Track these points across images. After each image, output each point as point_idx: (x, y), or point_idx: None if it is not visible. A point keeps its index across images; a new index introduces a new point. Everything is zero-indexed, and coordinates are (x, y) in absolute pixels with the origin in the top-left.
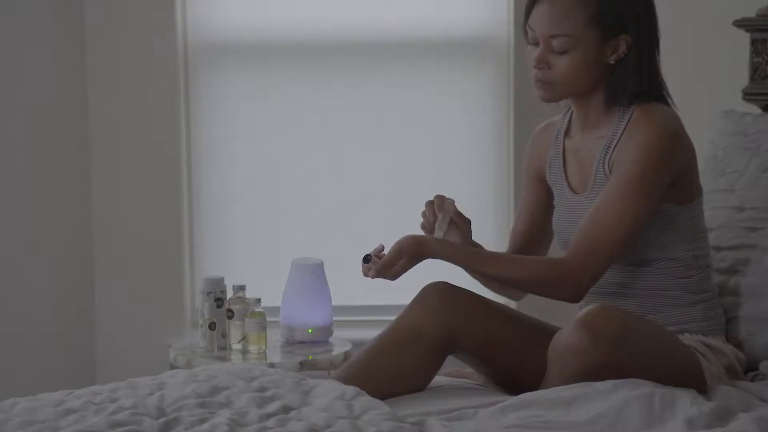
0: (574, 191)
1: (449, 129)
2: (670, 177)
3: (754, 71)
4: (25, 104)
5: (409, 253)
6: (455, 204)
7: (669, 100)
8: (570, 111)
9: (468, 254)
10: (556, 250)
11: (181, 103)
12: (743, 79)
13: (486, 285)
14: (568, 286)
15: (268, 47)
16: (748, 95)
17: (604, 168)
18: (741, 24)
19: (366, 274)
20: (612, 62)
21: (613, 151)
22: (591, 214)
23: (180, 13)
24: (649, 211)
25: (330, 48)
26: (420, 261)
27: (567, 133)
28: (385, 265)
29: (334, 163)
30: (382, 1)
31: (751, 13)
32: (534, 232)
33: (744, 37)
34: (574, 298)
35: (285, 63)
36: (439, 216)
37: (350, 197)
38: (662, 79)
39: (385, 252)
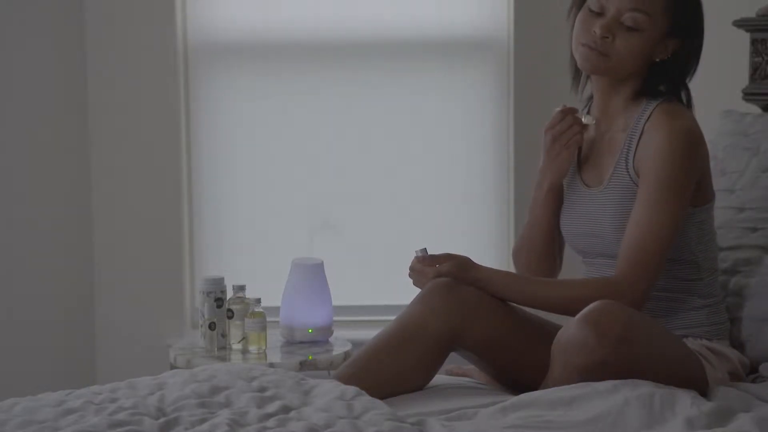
0: (585, 185)
1: (449, 129)
2: (696, 177)
3: (754, 71)
4: (26, 104)
5: (458, 260)
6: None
7: (689, 103)
8: (588, 106)
9: (514, 278)
10: None
11: (181, 103)
12: (743, 79)
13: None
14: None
15: (268, 47)
16: (748, 95)
17: (626, 166)
18: (741, 24)
19: (411, 265)
20: (656, 60)
21: (635, 150)
22: (632, 228)
23: (180, 13)
24: (684, 213)
25: (330, 48)
26: (464, 273)
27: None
28: (432, 257)
29: (334, 162)
30: (383, 1)
31: (751, 13)
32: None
33: (744, 37)
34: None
35: (285, 63)
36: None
37: (350, 197)
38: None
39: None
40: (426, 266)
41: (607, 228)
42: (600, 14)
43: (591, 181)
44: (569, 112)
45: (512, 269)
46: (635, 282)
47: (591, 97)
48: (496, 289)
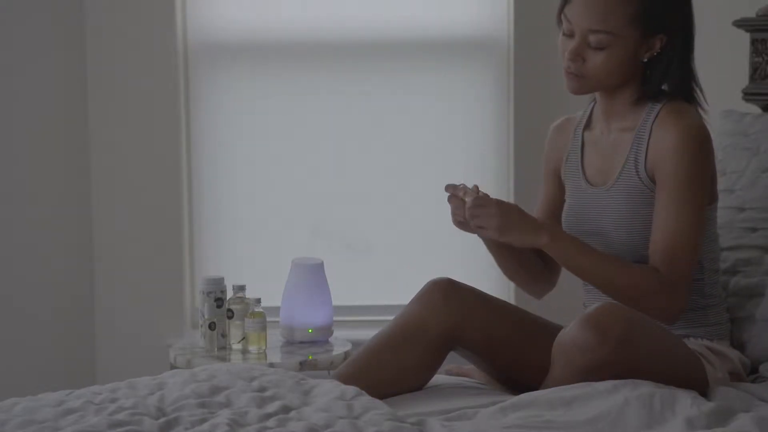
0: (590, 183)
1: (449, 129)
2: (710, 173)
3: (754, 71)
4: (26, 104)
5: (518, 209)
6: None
7: (700, 98)
8: (592, 105)
9: (574, 243)
10: None
11: (181, 103)
12: (743, 79)
13: (518, 279)
14: (668, 299)
15: (268, 47)
16: (748, 95)
17: (636, 166)
18: (741, 24)
19: (474, 202)
20: (645, 60)
21: (646, 151)
22: (660, 230)
23: (180, 13)
24: (705, 211)
25: (330, 48)
26: (525, 215)
27: (587, 125)
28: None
29: (334, 162)
30: (382, 1)
31: (751, 13)
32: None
33: (744, 37)
34: (675, 314)
35: (285, 63)
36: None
37: (350, 197)
38: (696, 78)
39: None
40: (478, 200)
41: (610, 226)
42: (571, 36)
43: (595, 179)
44: (449, 191)
45: None
46: (677, 285)
47: (594, 100)
48: (551, 245)
